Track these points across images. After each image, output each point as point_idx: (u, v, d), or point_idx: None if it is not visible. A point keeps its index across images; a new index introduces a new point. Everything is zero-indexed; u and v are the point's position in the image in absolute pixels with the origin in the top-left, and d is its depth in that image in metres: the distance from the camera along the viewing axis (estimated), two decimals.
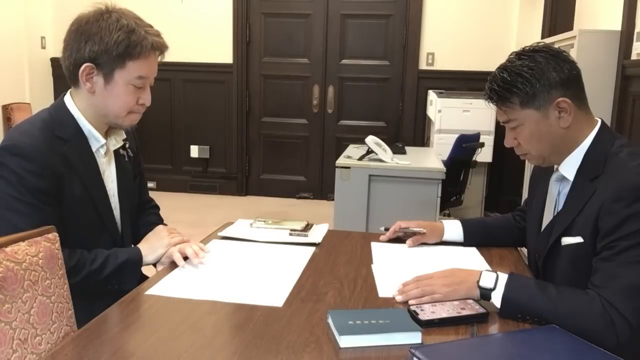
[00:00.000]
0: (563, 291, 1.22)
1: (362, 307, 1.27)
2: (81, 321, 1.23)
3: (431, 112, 4.78)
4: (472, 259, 1.60)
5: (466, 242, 1.70)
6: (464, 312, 1.20)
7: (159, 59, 1.49)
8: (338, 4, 5.33)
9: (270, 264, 1.53)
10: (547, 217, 1.47)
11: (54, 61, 5.49)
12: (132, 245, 1.58)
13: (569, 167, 1.37)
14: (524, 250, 1.65)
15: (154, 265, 1.53)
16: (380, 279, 1.42)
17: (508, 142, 1.41)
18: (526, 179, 4.00)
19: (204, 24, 5.43)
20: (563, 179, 1.41)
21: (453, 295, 1.27)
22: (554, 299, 1.20)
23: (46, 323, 1.17)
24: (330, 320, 1.14)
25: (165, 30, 1.54)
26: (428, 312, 1.20)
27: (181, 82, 5.53)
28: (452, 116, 4.43)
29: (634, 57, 2.99)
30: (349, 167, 3.20)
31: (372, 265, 1.52)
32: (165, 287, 1.34)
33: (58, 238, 1.25)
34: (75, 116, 1.47)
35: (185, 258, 1.49)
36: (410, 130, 5.34)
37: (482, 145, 4.07)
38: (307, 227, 1.77)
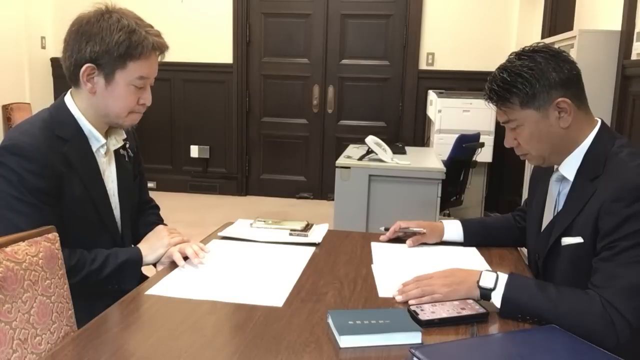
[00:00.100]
0: (563, 291, 1.22)
1: (362, 307, 1.27)
2: (81, 321, 1.23)
3: (431, 112, 4.78)
4: (472, 259, 1.61)
5: (466, 242, 1.70)
6: (464, 312, 1.20)
7: (160, 59, 1.49)
8: (338, 4, 5.33)
9: (270, 264, 1.53)
10: (547, 217, 1.47)
11: (54, 61, 5.49)
12: (132, 245, 1.58)
13: (569, 167, 1.37)
14: (524, 250, 1.65)
15: (154, 265, 1.53)
16: (380, 279, 1.42)
17: (508, 142, 1.41)
18: (526, 179, 4.00)
19: (204, 24, 5.43)
20: (563, 179, 1.41)
21: (453, 295, 1.27)
22: (554, 299, 1.20)
23: (46, 323, 1.17)
24: (330, 320, 1.14)
25: (165, 30, 1.54)
26: (428, 312, 1.20)
27: (181, 82, 5.53)
28: (452, 116, 4.43)
29: (634, 57, 2.99)
30: (349, 167, 3.20)
31: (372, 265, 1.52)
32: (165, 287, 1.34)
33: (58, 238, 1.25)
34: (76, 116, 1.47)
35: (185, 258, 1.49)
36: (410, 130, 5.34)
37: (482, 145, 4.07)
38: (307, 227, 1.77)
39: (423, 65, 5.24)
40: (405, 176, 3.16)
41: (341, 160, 3.30)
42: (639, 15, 2.98)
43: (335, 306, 1.26)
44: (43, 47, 5.45)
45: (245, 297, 1.29)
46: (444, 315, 1.19)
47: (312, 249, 1.65)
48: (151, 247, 1.53)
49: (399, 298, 1.29)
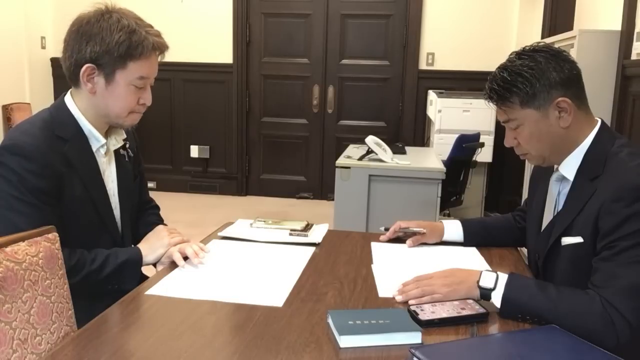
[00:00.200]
0: (563, 291, 1.22)
1: (362, 307, 1.27)
2: (81, 321, 1.23)
3: (431, 112, 4.78)
4: (472, 259, 1.60)
5: (466, 242, 1.70)
6: (464, 312, 1.20)
7: (160, 59, 1.49)
8: (338, 4, 5.33)
9: (270, 264, 1.53)
10: (547, 217, 1.47)
11: (54, 61, 5.49)
12: (132, 245, 1.58)
13: (569, 167, 1.37)
14: (524, 250, 1.65)
15: (154, 265, 1.53)
16: (380, 279, 1.42)
17: (508, 142, 1.41)
18: (526, 179, 4.00)
19: (204, 24, 5.43)
20: (563, 178, 1.41)
21: (453, 295, 1.27)
22: (554, 299, 1.20)
23: (46, 323, 1.17)
24: (330, 320, 1.14)
25: (165, 30, 1.54)
26: (428, 312, 1.20)
27: (181, 82, 5.53)
28: (452, 116, 4.43)
29: (634, 57, 2.99)
30: (349, 167, 3.20)
31: (372, 265, 1.52)
32: (165, 287, 1.34)
33: (58, 238, 1.25)
34: (76, 116, 1.47)
35: (185, 258, 1.49)
36: (410, 130, 5.34)
37: (482, 145, 4.07)
38: (307, 227, 1.77)
39: (423, 65, 5.24)
40: (405, 176, 3.16)
41: (341, 160, 3.30)
42: (639, 15, 2.98)
43: (335, 306, 1.26)
44: (43, 47, 5.45)
45: (245, 297, 1.29)
46: (444, 315, 1.19)
47: (312, 249, 1.65)
48: (151, 247, 1.53)
49: (399, 298, 1.29)
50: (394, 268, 1.51)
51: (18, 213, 1.33)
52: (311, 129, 5.55)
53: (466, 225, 1.71)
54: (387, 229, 1.75)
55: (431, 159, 3.61)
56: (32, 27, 5.28)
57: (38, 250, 1.18)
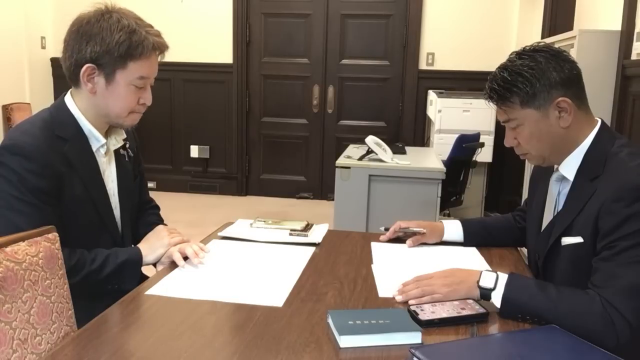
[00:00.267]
0: (563, 291, 1.22)
1: (362, 307, 1.27)
2: (81, 321, 1.23)
3: (431, 112, 4.78)
4: (472, 259, 1.60)
5: (466, 242, 1.70)
6: (464, 312, 1.20)
7: (159, 58, 1.49)
8: (338, 4, 5.33)
9: (270, 264, 1.53)
10: (547, 217, 1.47)
11: (54, 61, 5.49)
12: (132, 245, 1.58)
13: (569, 167, 1.37)
14: (524, 250, 1.65)
15: (154, 265, 1.53)
16: (380, 279, 1.42)
17: (508, 142, 1.41)
18: (526, 179, 4.00)
19: (204, 24, 5.43)
20: (563, 179, 1.41)
21: (453, 295, 1.27)
22: (554, 299, 1.20)
23: (46, 323, 1.17)
24: (330, 320, 1.14)
25: (165, 30, 1.54)
26: (428, 312, 1.20)
27: (181, 82, 5.53)
28: (452, 116, 4.43)
29: (634, 57, 2.99)
30: (349, 167, 3.20)
31: (372, 265, 1.52)
32: (165, 287, 1.34)
33: (58, 238, 1.25)
34: (76, 116, 1.47)
35: (185, 258, 1.49)
36: (410, 130, 5.34)
37: (482, 145, 4.07)
38: (307, 227, 1.77)
39: (423, 65, 5.24)
40: (405, 176, 3.16)
41: (341, 160, 3.30)
42: (639, 15, 2.98)
43: (335, 306, 1.25)
44: (43, 47, 5.45)
45: (245, 297, 1.29)
46: (444, 315, 1.19)
47: (312, 249, 1.65)
48: (151, 247, 1.53)
49: (399, 298, 1.29)
50: (394, 268, 1.51)
51: (18, 213, 1.33)
52: (311, 129, 5.55)
53: (466, 225, 1.71)
54: (387, 229, 1.75)
55: (431, 159, 3.61)
56: (32, 27, 5.28)
57: (38, 250, 1.18)
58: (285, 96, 5.53)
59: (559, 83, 1.31)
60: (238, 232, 1.76)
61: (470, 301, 1.25)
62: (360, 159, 3.28)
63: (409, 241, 1.69)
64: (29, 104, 5.20)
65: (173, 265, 1.48)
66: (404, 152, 3.61)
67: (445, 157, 3.79)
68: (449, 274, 1.33)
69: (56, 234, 1.25)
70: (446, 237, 1.71)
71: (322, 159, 5.54)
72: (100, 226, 1.51)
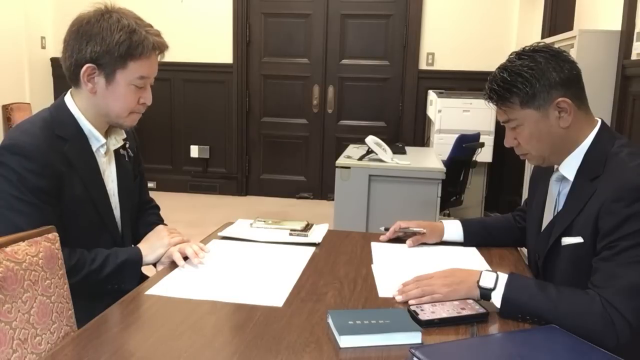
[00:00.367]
0: (563, 291, 1.22)
1: (362, 307, 1.27)
2: (81, 321, 1.23)
3: (431, 112, 4.78)
4: (472, 259, 1.60)
5: (466, 242, 1.70)
6: (464, 312, 1.20)
7: (159, 58, 1.49)
8: (338, 4, 5.33)
9: (270, 264, 1.53)
10: (547, 217, 1.47)
11: (54, 61, 5.49)
12: (132, 245, 1.58)
13: (569, 167, 1.37)
14: (524, 250, 1.65)
15: (154, 265, 1.53)
16: (380, 279, 1.42)
17: (508, 142, 1.41)
18: (526, 179, 4.00)
19: (204, 24, 5.43)
20: (563, 179, 1.41)
21: (453, 295, 1.27)
22: (554, 299, 1.20)
23: (46, 323, 1.17)
24: (330, 320, 1.14)
25: (165, 30, 1.54)
26: (428, 312, 1.20)
27: (181, 82, 5.53)
28: (452, 116, 4.43)
29: (634, 57, 2.99)
30: (349, 167, 3.20)
31: (372, 265, 1.52)
32: (165, 287, 1.34)
33: (58, 238, 1.25)
34: (76, 116, 1.47)
35: (185, 258, 1.49)
36: (410, 130, 5.34)
37: (482, 145, 4.07)
38: (307, 227, 1.77)
39: (423, 65, 5.24)
40: (405, 176, 3.16)
41: (341, 160, 3.30)
42: (639, 15, 2.98)
43: (335, 306, 1.25)
44: (43, 47, 5.45)
45: (245, 297, 1.29)
46: (444, 315, 1.19)
47: (312, 249, 1.65)
48: (151, 247, 1.53)
49: (399, 298, 1.29)
50: (394, 268, 1.51)
51: (18, 213, 1.33)
52: (311, 129, 5.55)
53: (466, 225, 1.71)
54: (387, 229, 1.75)
55: (431, 159, 3.61)
56: (32, 27, 5.28)
57: (38, 250, 1.18)
58: (285, 96, 5.53)
59: (559, 83, 1.31)
60: (238, 232, 1.76)
61: (470, 301, 1.25)
62: (360, 159, 3.28)
63: (409, 241, 1.69)
64: (29, 104, 5.20)
65: (173, 265, 1.48)
66: (404, 152, 3.61)
67: (445, 157, 3.79)
68: (449, 274, 1.33)
69: (56, 234, 1.25)
70: (446, 237, 1.71)
71: (322, 159, 5.54)
72: (100, 226, 1.51)
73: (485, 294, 1.25)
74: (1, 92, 4.96)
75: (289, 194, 5.57)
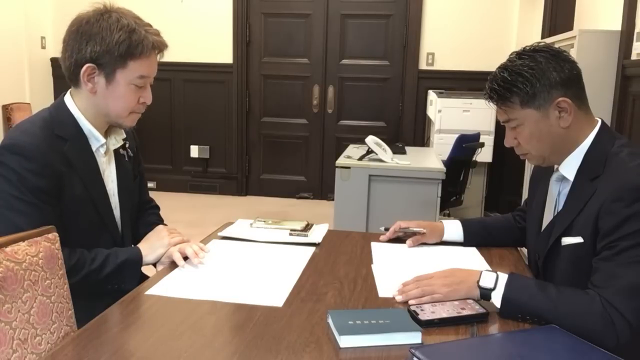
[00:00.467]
0: (563, 291, 1.22)
1: (362, 307, 1.27)
2: (81, 321, 1.23)
3: (431, 112, 4.78)
4: (472, 259, 1.60)
5: (466, 242, 1.70)
6: (464, 312, 1.20)
7: (159, 58, 1.49)
8: (338, 4, 5.33)
9: (270, 264, 1.53)
10: (547, 217, 1.47)
11: (54, 61, 5.49)
12: (132, 245, 1.58)
13: (569, 167, 1.37)
14: (524, 250, 1.65)
15: (154, 265, 1.53)
16: (380, 279, 1.42)
17: (508, 142, 1.41)
18: (526, 179, 4.00)
19: (204, 24, 5.43)
20: (563, 179, 1.41)
21: (453, 295, 1.27)
22: (554, 299, 1.20)
23: (46, 323, 1.17)
24: (330, 320, 1.14)
25: (165, 30, 1.54)
26: (428, 312, 1.20)
27: (181, 82, 5.53)
28: (452, 116, 4.43)
29: (634, 57, 2.99)
30: (349, 167, 3.20)
31: (372, 265, 1.52)
32: (165, 287, 1.34)
33: (58, 238, 1.25)
34: (75, 116, 1.47)
35: (185, 258, 1.49)
36: (410, 130, 5.34)
37: (482, 145, 4.07)
38: (307, 227, 1.77)
39: (423, 65, 5.24)
40: (405, 176, 3.16)
41: (341, 160, 3.30)
42: (639, 15, 2.98)
43: (335, 306, 1.25)
44: (43, 47, 5.45)
45: (245, 297, 1.28)
46: (444, 315, 1.19)
47: (312, 249, 1.65)
48: (151, 247, 1.53)
49: (399, 298, 1.29)
50: (394, 268, 1.51)
51: (18, 212, 1.33)
52: (311, 129, 5.55)
53: (466, 225, 1.71)
54: (387, 229, 1.75)
55: (431, 159, 3.61)
56: (32, 27, 5.27)
57: (38, 250, 1.18)
58: (285, 96, 5.53)
59: (559, 83, 1.31)
60: (238, 232, 1.76)
61: (470, 301, 1.25)
62: (360, 159, 3.28)
63: (409, 241, 1.69)
64: (29, 104, 5.20)
65: (173, 265, 1.48)
66: (404, 152, 3.61)
67: (445, 157, 3.79)
68: (449, 274, 1.33)
69: (56, 234, 1.25)
70: (446, 237, 1.71)
71: (322, 159, 5.54)
72: (100, 226, 1.51)
73: (485, 294, 1.25)
74: (1, 92, 4.95)
75: (289, 194, 5.57)
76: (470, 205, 4.55)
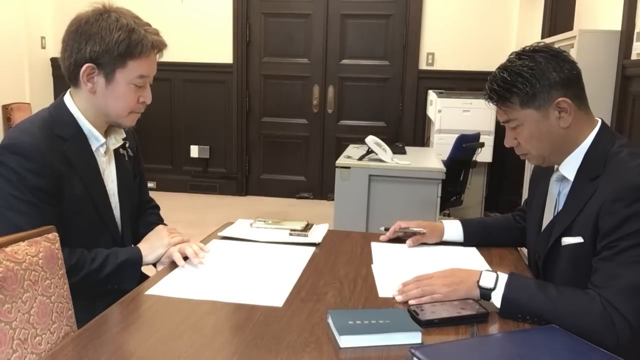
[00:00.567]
0: (563, 291, 1.22)
1: (362, 307, 1.27)
2: (81, 321, 1.23)
3: (431, 112, 4.78)
4: (472, 259, 1.60)
5: (466, 242, 1.70)
6: (464, 312, 1.20)
7: (158, 57, 1.49)
8: (338, 4, 5.33)
9: (270, 264, 1.53)
10: (547, 217, 1.47)
11: (54, 61, 5.49)
12: (132, 245, 1.58)
13: (569, 167, 1.37)
14: (524, 250, 1.65)
15: (154, 265, 1.53)
16: (380, 279, 1.42)
17: (508, 142, 1.41)
18: (526, 179, 4.00)
19: (204, 24, 5.43)
20: (563, 179, 1.41)
21: (453, 295, 1.27)
22: (554, 299, 1.20)
23: (46, 323, 1.17)
24: (330, 320, 1.14)
25: (165, 30, 1.54)
26: (428, 312, 1.20)
27: (181, 82, 5.53)
28: (452, 116, 4.43)
29: (634, 57, 2.99)
30: (349, 167, 3.20)
31: (372, 265, 1.52)
32: (165, 287, 1.34)
33: (58, 238, 1.25)
34: (75, 115, 1.47)
35: (185, 258, 1.49)
36: (410, 130, 5.34)
37: (482, 145, 4.07)
38: (307, 227, 1.77)
39: (423, 65, 5.24)
40: (405, 176, 3.16)
41: (341, 160, 3.30)
42: (639, 15, 2.98)
43: (335, 306, 1.25)
44: (43, 47, 5.45)
45: (245, 297, 1.28)
46: (444, 315, 1.19)
47: (312, 249, 1.65)
48: (151, 246, 1.53)
49: (399, 298, 1.29)
50: (394, 268, 1.51)
51: (18, 212, 1.33)
52: (311, 129, 5.55)
53: (466, 225, 1.71)
54: (387, 229, 1.75)
55: (431, 159, 3.61)
56: (32, 27, 5.27)
57: (38, 250, 1.18)
58: (285, 96, 5.53)
59: (559, 83, 1.31)
60: (238, 232, 1.76)
61: (470, 301, 1.25)
62: (360, 159, 3.28)
63: (409, 241, 1.69)
64: (29, 104, 5.20)
65: (173, 265, 1.48)
66: (404, 152, 3.61)
67: (445, 157, 3.79)
68: (449, 274, 1.33)
69: (56, 234, 1.24)
70: (446, 237, 1.71)
71: (322, 159, 5.54)
72: (100, 226, 1.51)
73: (485, 294, 1.25)
74: (1, 92, 4.95)
75: (289, 194, 5.57)
76: (470, 205, 4.55)
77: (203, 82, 5.54)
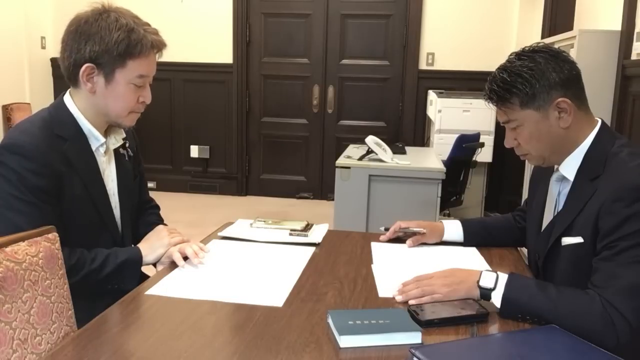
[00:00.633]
0: (563, 291, 1.22)
1: (362, 307, 1.27)
2: (81, 321, 1.23)
3: (431, 112, 4.78)
4: (472, 259, 1.60)
5: (466, 242, 1.70)
6: (464, 312, 1.20)
7: (157, 57, 1.49)
8: (338, 4, 5.33)
9: (270, 264, 1.53)
10: (547, 217, 1.47)
11: (54, 61, 5.48)
12: (132, 245, 1.58)
13: (569, 167, 1.37)
14: (524, 250, 1.65)
15: (154, 265, 1.53)
16: (380, 279, 1.42)
17: (508, 143, 1.41)
18: (526, 179, 4.00)
19: (204, 24, 5.43)
20: (563, 179, 1.41)
21: (453, 295, 1.27)
22: (554, 299, 1.20)
23: (46, 323, 1.17)
24: (330, 320, 1.14)
25: (165, 30, 1.54)
26: (428, 312, 1.20)
27: (181, 82, 5.53)
28: (452, 116, 4.43)
29: (634, 57, 2.99)
30: (349, 167, 3.20)
31: (372, 265, 1.52)
32: (165, 287, 1.34)
33: (58, 238, 1.25)
34: (75, 115, 1.47)
35: (185, 258, 1.49)
36: (410, 130, 5.34)
37: (482, 145, 4.07)
38: (307, 227, 1.77)
39: (423, 65, 5.24)
40: (405, 176, 3.16)
41: (341, 160, 3.30)
42: (639, 15, 2.98)
43: (335, 306, 1.25)
44: (43, 47, 5.44)
45: (245, 297, 1.28)
46: (444, 315, 1.19)
47: (312, 249, 1.65)
48: (151, 246, 1.53)
49: (399, 298, 1.29)
50: (394, 268, 1.51)
51: (18, 212, 1.33)
52: (311, 129, 5.55)
53: (466, 225, 1.71)
54: (387, 229, 1.75)
55: (431, 159, 3.61)
56: (32, 27, 5.27)
57: (38, 250, 1.18)
58: (285, 96, 5.53)
59: (559, 83, 1.31)
60: (238, 232, 1.76)
61: (470, 301, 1.25)
62: (360, 159, 3.28)
63: (409, 241, 1.69)
64: (29, 104, 5.20)
65: (173, 265, 1.48)
66: (404, 152, 3.61)
67: (445, 157, 3.79)
68: (449, 274, 1.33)
69: (56, 234, 1.24)
70: (446, 237, 1.71)
71: (322, 159, 5.54)
72: (100, 226, 1.51)
73: (485, 294, 1.25)
74: (1, 92, 4.95)
75: (289, 194, 5.57)
76: (470, 205, 4.55)
77: (203, 82, 5.54)
